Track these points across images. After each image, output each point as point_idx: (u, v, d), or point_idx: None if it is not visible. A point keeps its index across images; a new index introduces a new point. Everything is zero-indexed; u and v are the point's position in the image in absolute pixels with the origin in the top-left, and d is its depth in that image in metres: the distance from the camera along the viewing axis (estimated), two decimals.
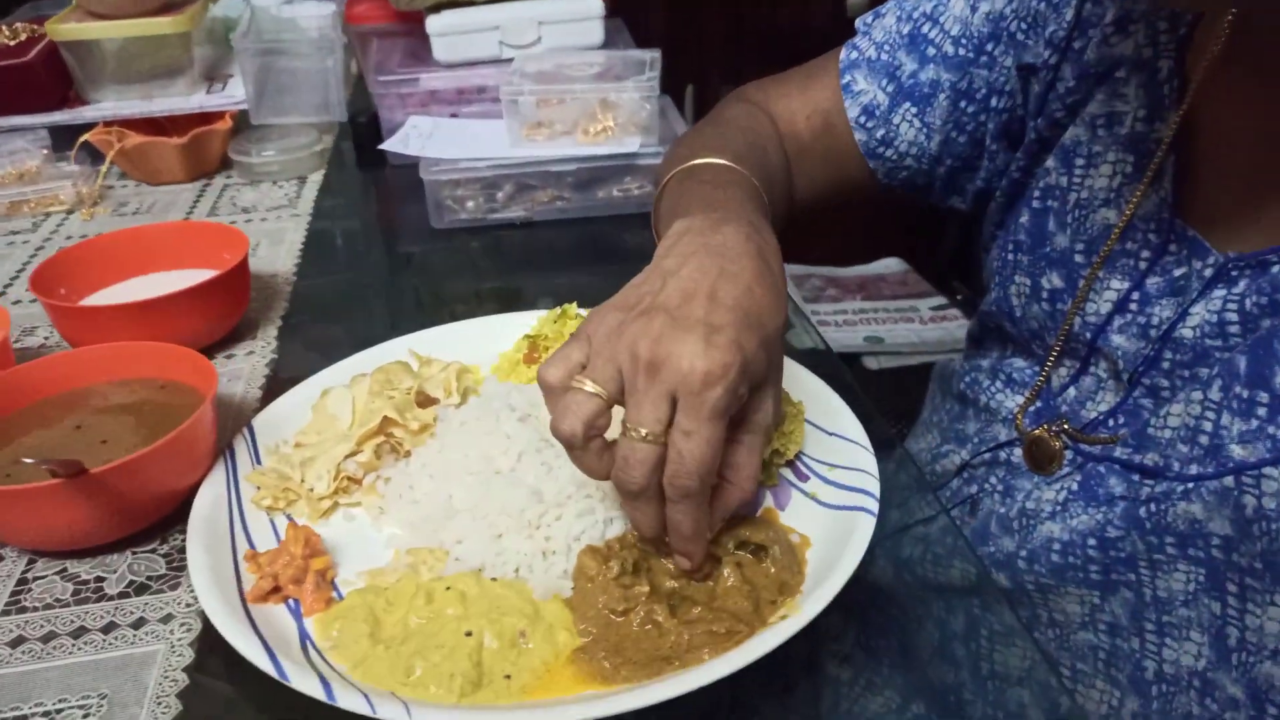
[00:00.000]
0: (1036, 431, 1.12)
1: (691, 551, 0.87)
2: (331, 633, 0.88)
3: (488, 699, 0.81)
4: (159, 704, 0.84)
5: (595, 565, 0.90)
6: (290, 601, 0.92)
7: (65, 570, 0.99)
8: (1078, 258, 1.09)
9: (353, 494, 1.05)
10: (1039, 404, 1.17)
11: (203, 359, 1.11)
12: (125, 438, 1.05)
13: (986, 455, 1.22)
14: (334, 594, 0.94)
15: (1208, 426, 0.90)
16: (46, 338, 1.41)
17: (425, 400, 1.15)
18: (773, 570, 0.92)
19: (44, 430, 1.06)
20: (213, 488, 1.03)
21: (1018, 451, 1.16)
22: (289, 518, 1.04)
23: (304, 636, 0.89)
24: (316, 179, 1.93)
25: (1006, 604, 0.98)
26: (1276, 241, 0.89)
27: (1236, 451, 0.86)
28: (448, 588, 0.90)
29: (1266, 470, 0.84)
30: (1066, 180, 1.11)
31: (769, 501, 1.05)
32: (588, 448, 0.84)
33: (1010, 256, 1.19)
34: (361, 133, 2.08)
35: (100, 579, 0.98)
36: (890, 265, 3.12)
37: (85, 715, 0.83)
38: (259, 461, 1.10)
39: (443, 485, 1.01)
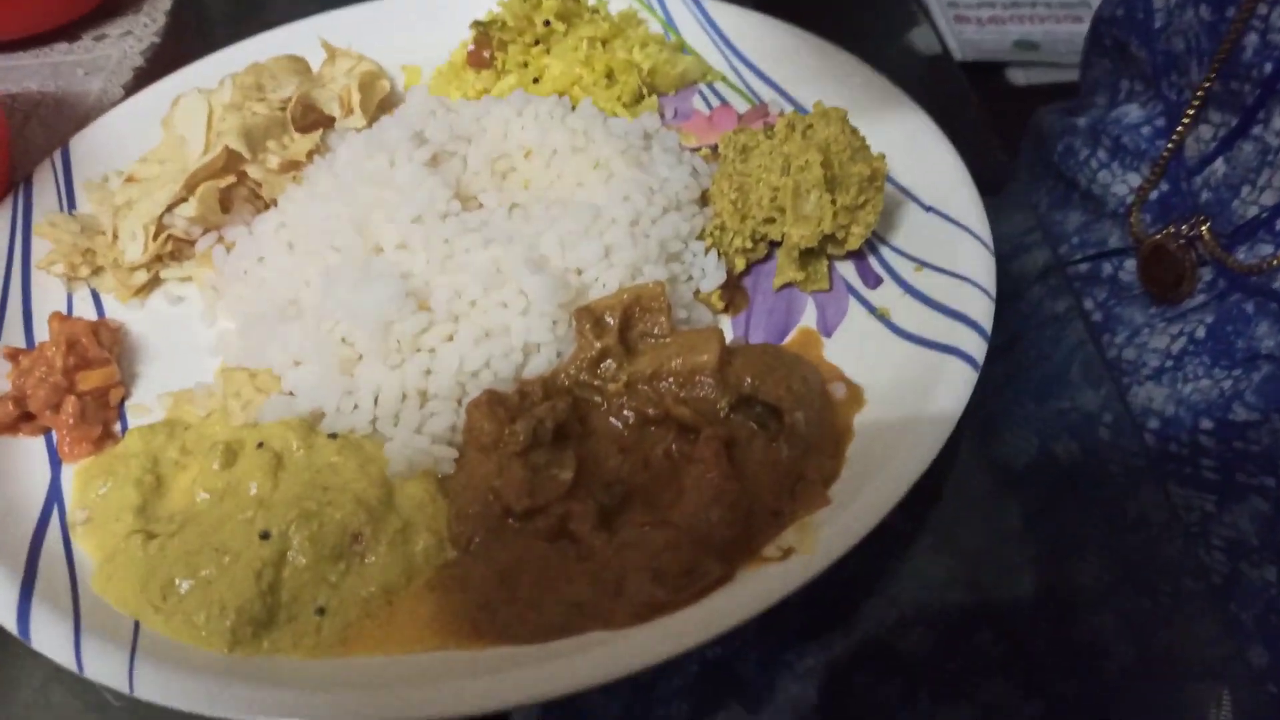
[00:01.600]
0: (1159, 235, 0.69)
1: None
2: (92, 494, 0.57)
3: (278, 648, 0.49)
4: None
5: (493, 427, 0.55)
6: (51, 434, 0.61)
7: None
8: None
9: (183, 264, 0.71)
10: (1164, 187, 0.73)
11: None
12: None
13: (1084, 265, 0.79)
14: (117, 426, 0.62)
15: None
16: None
17: (311, 119, 0.76)
18: (786, 453, 0.55)
19: None
20: None
21: (1130, 264, 0.74)
22: (94, 296, 0.70)
23: (52, 499, 0.58)
24: None
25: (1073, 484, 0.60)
26: None
27: None
28: (259, 444, 0.56)
29: None
30: None
31: (809, 318, 0.66)
32: None
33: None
34: None
35: None
36: None
37: None
38: (71, 205, 0.75)
39: (297, 264, 0.65)
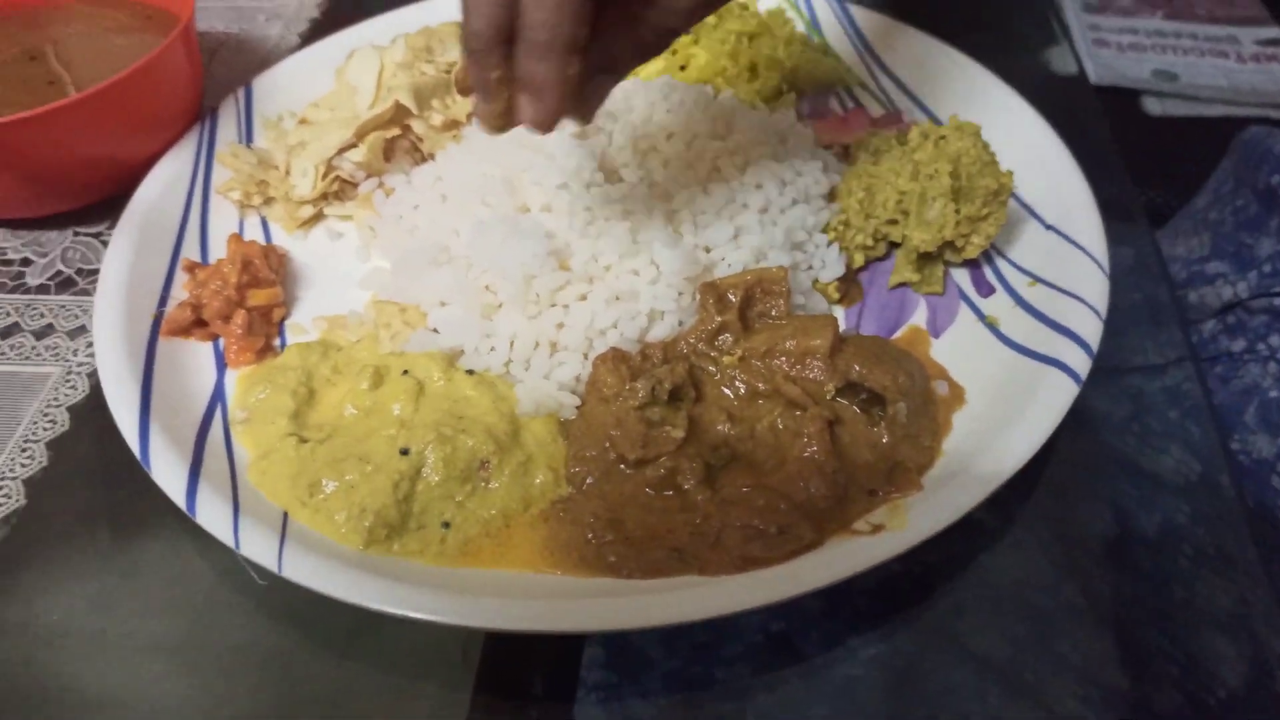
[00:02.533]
0: None
1: (542, 110, 0.54)
2: (252, 398, 0.63)
3: (406, 551, 0.55)
4: (23, 450, 0.64)
5: (615, 381, 0.60)
6: (218, 342, 0.68)
7: None
8: None
9: (345, 203, 0.77)
10: None
11: None
12: (82, 75, 0.79)
13: (1277, 298, 0.79)
14: (278, 341, 0.69)
15: None
16: None
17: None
18: (885, 439, 0.59)
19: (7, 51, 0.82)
20: (174, 164, 0.78)
21: None
22: (264, 224, 0.77)
23: (216, 398, 0.65)
24: None
25: (1241, 526, 0.61)
26: None
27: None
28: (405, 371, 0.62)
29: None
30: None
31: (919, 317, 0.69)
32: (490, 55, 0.52)
33: None
34: None
35: (26, 263, 0.77)
36: None
37: None
38: (249, 138, 0.82)
39: (449, 214, 0.71)
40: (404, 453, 0.57)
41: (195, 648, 0.55)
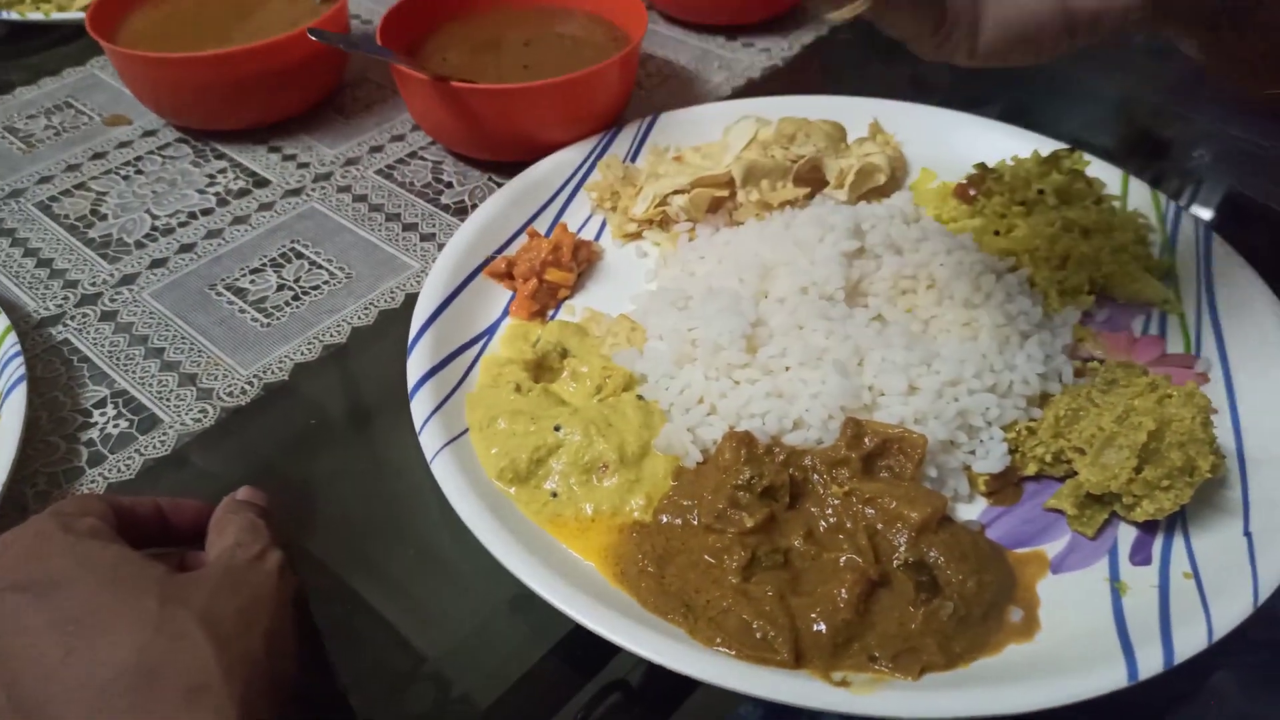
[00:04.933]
0: None
1: None
2: (509, 345, 0.83)
3: (518, 498, 0.71)
4: (367, 307, 0.89)
5: (732, 457, 0.69)
6: (512, 291, 0.88)
7: (441, 164, 1.06)
8: None
9: (662, 232, 0.93)
10: None
11: (641, 18, 1.02)
12: (554, 63, 1.04)
13: None
14: (551, 312, 0.87)
15: None
16: None
17: (810, 176, 0.93)
18: (915, 625, 0.62)
19: (501, 30, 1.10)
20: (570, 154, 0.99)
21: None
22: (602, 224, 0.96)
23: (487, 332, 0.85)
24: None
25: None
26: None
27: None
28: (598, 389, 0.77)
29: None
30: None
31: (1054, 547, 0.69)
32: None
33: None
34: None
35: (449, 185, 1.03)
36: None
37: (331, 277, 0.92)
38: (634, 157, 1.02)
39: (715, 273, 0.84)
40: (556, 429, 0.73)
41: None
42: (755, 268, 0.81)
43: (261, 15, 1.14)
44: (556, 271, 0.87)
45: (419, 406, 0.74)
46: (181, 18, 1.13)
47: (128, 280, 0.92)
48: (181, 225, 0.99)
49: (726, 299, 0.77)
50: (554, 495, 0.71)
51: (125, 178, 1.06)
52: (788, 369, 0.74)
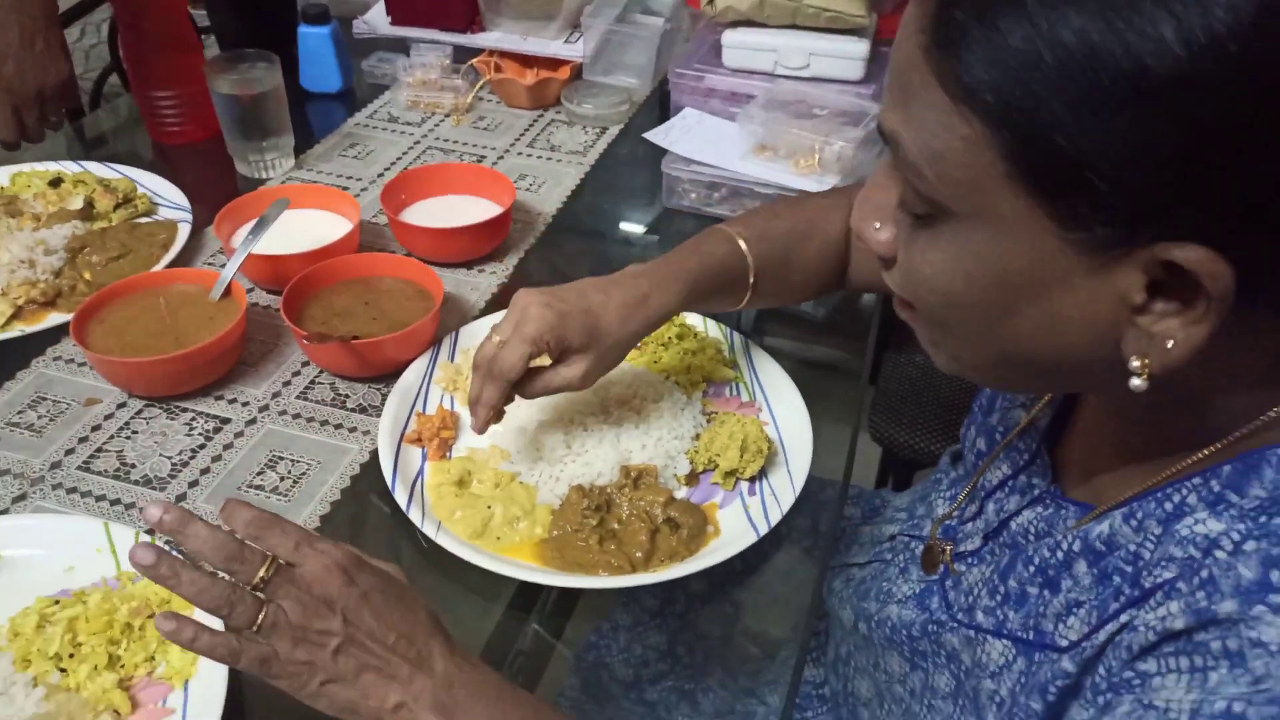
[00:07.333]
0: (933, 542, 1.50)
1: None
2: (438, 477, 1.56)
3: (482, 544, 1.46)
4: (341, 476, 1.58)
5: (577, 497, 1.50)
6: (424, 449, 1.62)
7: (334, 384, 1.76)
8: (997, 435, 1.43)
9: None
10: (953, 521, 1.54)
11: (438, 282, 1.81)
12: (389, 315, 1.78)
13: (908, 538, 1.61)
14: (448, 454, 1.62)
15: (980, 592, 1.27)
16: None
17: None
18: (674, 542, 1.47)
19: (347, 299, 1.83)
20: (419, 366, 1.74)
21: (921, 546, 1.55)
22: (452, 400, 1.73)
23: (421, 470, 1.58)
24: (612, 132, 2.53)
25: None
26: (1088, 498, 1.00)
27: (979, 617, 1.24)
28: (497, 485, 1.55)
29: (989, 639, 1.20)
30: None
31: (717, 496, 1.57)
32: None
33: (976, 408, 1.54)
34: (664, 101, 2.64)
35: (345, 396, 1.74)
36: None
37: (304, 472, 1.60)
38: (453, 357, 1.79)
39: (532, 414, 1.64)
40: (489, 508, 1.49)
41: None
42: (552, 409, 1.63)
43: (185, 312, 1.76)
44: (448, 432, 1.62)
45: (401, 499, 1.47)
46: (124, 325, 1.72)
47: (180, 499, 1.53)
48: (189, 460, 1.60)
49: (552, 428, 1.59)
50: (498, 539, 1.47)
51: (127, 438, 1.63)
52: (584, 452, 1.56)
